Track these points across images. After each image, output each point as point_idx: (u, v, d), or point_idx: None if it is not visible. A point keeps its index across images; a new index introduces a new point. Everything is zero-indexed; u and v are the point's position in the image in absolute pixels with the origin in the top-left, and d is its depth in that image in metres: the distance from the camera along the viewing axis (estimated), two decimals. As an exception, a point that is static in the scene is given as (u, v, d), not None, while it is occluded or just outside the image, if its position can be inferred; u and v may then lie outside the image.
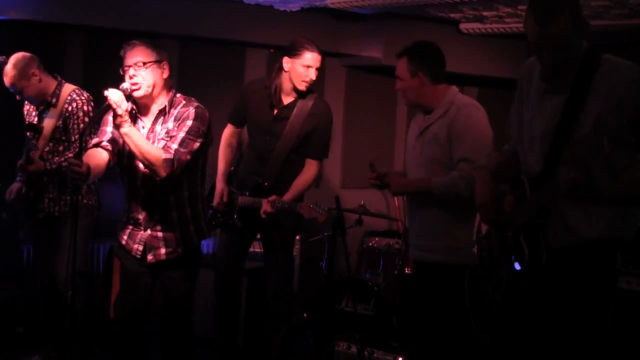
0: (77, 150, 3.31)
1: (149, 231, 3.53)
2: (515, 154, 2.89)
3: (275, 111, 4.16)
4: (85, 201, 4.29)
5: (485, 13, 5.35)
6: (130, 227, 3.57)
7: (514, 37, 5.95)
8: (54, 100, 4.21)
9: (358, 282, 4.66)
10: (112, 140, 3.45)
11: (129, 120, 3.27)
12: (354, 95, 6.53)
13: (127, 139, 3.27)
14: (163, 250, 3.54)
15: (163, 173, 3.32)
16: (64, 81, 4.31)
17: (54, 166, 4.13)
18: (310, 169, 4.19)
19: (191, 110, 3.44)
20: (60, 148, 4.22)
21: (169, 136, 3.41)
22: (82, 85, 4.35)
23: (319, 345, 4.53)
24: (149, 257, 3.54)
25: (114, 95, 3.20)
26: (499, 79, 6.29)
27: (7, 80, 4.14)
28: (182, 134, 3.38)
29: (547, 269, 2.62)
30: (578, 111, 2.49)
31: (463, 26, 5.85)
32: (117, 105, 3.20)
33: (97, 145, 3.43)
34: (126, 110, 3.23)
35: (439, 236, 3.42)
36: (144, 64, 3.38)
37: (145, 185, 3.48)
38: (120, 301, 3.74)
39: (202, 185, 3.68)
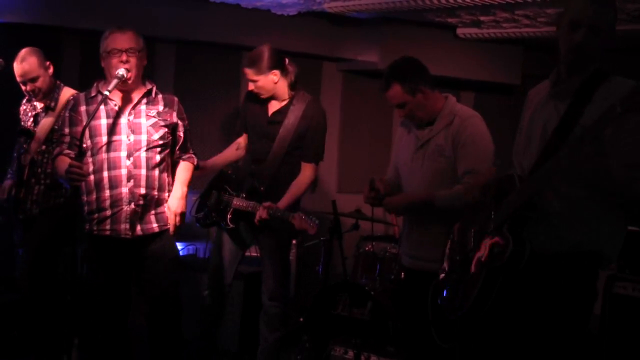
0: (76, 152, 3.43)
1: (132, 205, 3.57)
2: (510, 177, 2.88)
3: (270, 115, 4.19)
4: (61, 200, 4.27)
5: (482, 18, 5.35)
6: (109, 212, 3.57)
7: (510, 42, 5.95)
8: (52, 104, 4.19)
9: (354, 286, 4.65)
10: (73, 143, 3.54)
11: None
12: (350, 100, 6.52)
13: None
14: (155, 225, 3.64)
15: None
16: (62, 85, 4.29)
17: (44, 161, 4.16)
18: (305, 172, 4.18)
19: (176, 99, 3.75)
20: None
21: (164, 122, 3.63)
22: (79, 87, 4.32)
23: (315, 350, 4.53)
24: (138, 229, 3.59)
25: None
26: (495, 84, 6.30)
27: (23, 68, 4.07)
28: (187, 131, 3.78)
29: (527, 270, 2.56)
30: (577, 117, 2.52)
31: (460, 31, 5.85)
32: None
33: (61, 153, 3.54)
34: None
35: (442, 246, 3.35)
36: (138, 51, 3.49)
37: (131, 157, 3.55)
38: (99, 303, 3.71)
39: None
